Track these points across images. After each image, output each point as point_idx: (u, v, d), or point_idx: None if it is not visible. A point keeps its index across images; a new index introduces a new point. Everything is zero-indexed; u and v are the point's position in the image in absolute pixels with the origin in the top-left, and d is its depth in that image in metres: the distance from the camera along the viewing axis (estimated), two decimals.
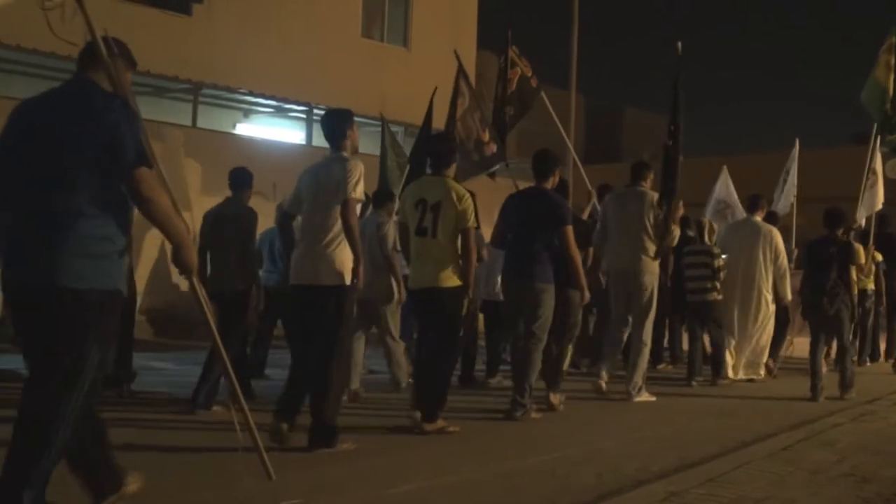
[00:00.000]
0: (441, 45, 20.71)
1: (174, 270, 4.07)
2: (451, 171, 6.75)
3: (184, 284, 8.20)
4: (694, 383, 9.71)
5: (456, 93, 10.21)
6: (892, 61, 12.38)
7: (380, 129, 18.82)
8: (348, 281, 5.61)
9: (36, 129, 3.73)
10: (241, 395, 4.44)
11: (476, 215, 6.72)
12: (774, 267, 10.18)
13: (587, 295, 7.47)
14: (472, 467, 5.40)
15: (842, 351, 9.25)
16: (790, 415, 7.78)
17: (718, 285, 9.94)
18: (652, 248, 8.55)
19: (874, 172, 12.86)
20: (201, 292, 4.32)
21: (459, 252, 6.46)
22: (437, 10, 20.69)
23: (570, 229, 7.17)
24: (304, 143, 16.90)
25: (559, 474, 5.28)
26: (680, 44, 9.22)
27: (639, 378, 8.46)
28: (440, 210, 6.41)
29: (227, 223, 7.48)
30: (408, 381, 7.99)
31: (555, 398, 7.63)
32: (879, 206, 12.89)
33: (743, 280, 10.16)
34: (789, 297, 10.36)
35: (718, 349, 10.01)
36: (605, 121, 41.70)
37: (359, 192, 5.69)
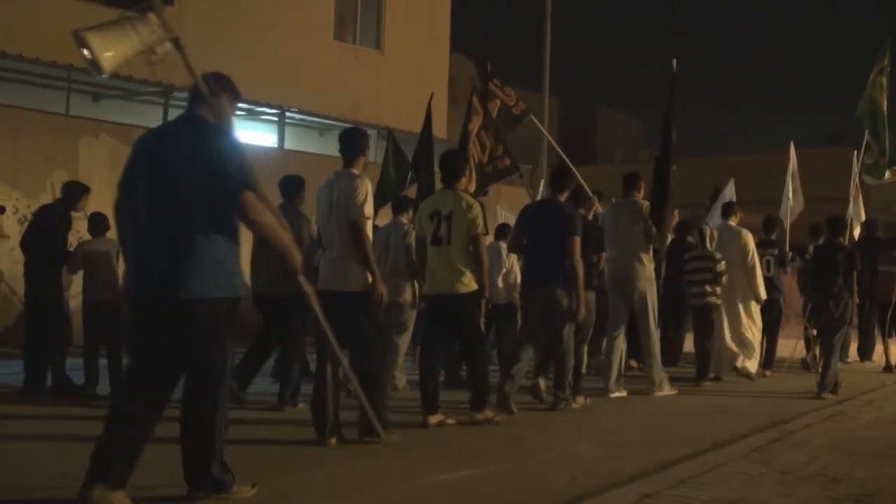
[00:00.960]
0: (413, 47, 20.75)
1: None
2: (462, 184, 7.30)
3: None
4: (706, 383, 10.15)
5: (470, 110, 10.63)
6: (885, 82, 13.16)
7: (376, 133, 18.95)
8: (360, 287, 6.07)
9: (155, 160, 4.31)
10: (354, 378, 5.61)
11: (485, 222, 7.10)
12: (743, 266, 10.59)
13: (583, 309, 7.72)
14: (445, 471, 5.41)
15: (831, 350, 9.58)
16: (762, 415, 7.86)
17: (718, 290, 10.40)
18: (646, 255, 9.05)
19: (856, 186, 13.73)
20: (310, 290, 4.97)
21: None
22: (409, 13, 20.69)
23: (576, 240, 7.56)
24: (276, 146, 16.85)
25: (533, 477, 5.30)
26: (675, 60, 9.80)
27: (656, 375, 9.11)
28: (452, 219, 6.91)
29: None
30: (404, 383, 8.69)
31: (580, 399, 8.16)
32: (863, 217, 13.79)
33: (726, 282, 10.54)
34: (762, 294, 10.73)
35: (706, 352, 10.33)
36: (578, 123, 41.89)
37: (366, 210, 6.09)
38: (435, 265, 7.01)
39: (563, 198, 7.98)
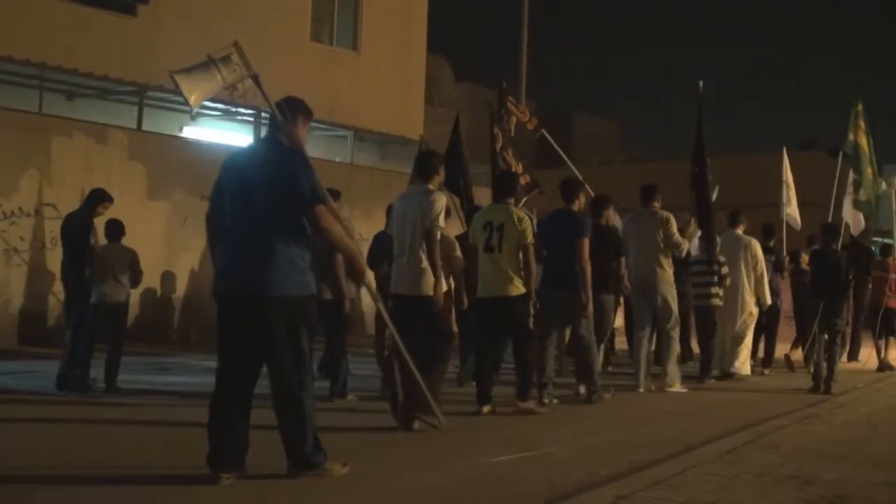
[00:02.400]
0: (391, 48, 20.76)
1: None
2: (512, 199, 8.14)
3: None
4: (708, 381, 10.78)
5: (492, 134, 11.39)
6: (863, 125, 14.36)
7: (333, 133, 18.93)
8: (430, 292, 6.92)
9: (238, 178, 5.03)
10: (414, 368, 6.37)
11: (533, 232, 7.99)
12: (754, 274, 11.45)
13: (591, 307, 8.39)
14: (419, 474, 5.44)
15: (834, 349, 10.37)
16: (736, 417, 7.95)
17: (721, 292, 11.07)
18: (666, 261, 9.84)
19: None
20: (374, 292, 5.80)
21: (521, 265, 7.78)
22: (386, 14, 20.70)
23: (584, 241, 8.29)
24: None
25: (509, 479, 5.33)
26: (702, 83, 10.89)
27: (672, 371, 9.81)
28: (504, 230, 7.75)
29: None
30: None
31: (607, 394, 8.84)
32: (863, 224, 15.02)
33: (728, 286, 11.25)
34: (768, 300, 11.67)
35: (708, 352, 10.97)
36: (554, 125, 42.03)
37: (441, 220, 6.98)
38: (487, 271, 7.82)
39: (576, 206, 8.68)
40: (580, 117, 43.95)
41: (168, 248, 13.67)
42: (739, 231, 11.69)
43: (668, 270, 9.87)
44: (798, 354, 12.57)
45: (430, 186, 7.18)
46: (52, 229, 12.48)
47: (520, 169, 11.35)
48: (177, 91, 5.19)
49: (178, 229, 13.76)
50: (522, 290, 7.75)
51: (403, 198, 7.33)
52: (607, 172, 28.43)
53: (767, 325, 12.27)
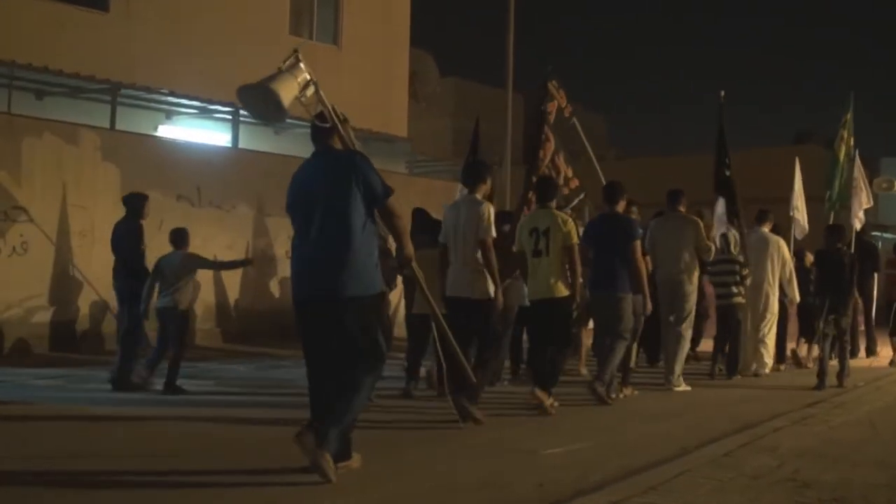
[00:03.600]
0: (372, 42, 20.74)
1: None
2: (554, 203, 8.70)
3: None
4: (724, 376, 11.36)
5: (543, 137, 11.69)
6: (845, 135, 14.83)
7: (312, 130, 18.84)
8: (492, 294, 7.56)
9: (305, 187, 5.58)
10: (466, 364, 6.99)
11: (579, 234, 8.58)
12: (782, 272, 12.08)
13: (650, 303, 9.23)
14: (407, 479, 5.45)
15: (844, 345, 11.02)
16: (732, 418, 7.98)
17: (743, 290, 11.50)
18: (693, 264, 10.39)
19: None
20: (421, 277, 6.22)
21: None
22: (368, 8, 20.69)
23: (637, 244, 8.95)
24: (229, 145, 16.75)
25: (498, 484, 5.33)
26: (723, 92, 11.67)
27: (678, 369, 10.27)
28: (550, 234, 8.29)
29: None
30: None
31: (627, 390, 9.48)
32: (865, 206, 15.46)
33: (752, 284, 11.69)
34: (797, 297, 12.39)
35: (735, 349, 11.51)
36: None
37: (492, 230, 7.61)
38: (536, 274, 8.37)
39: (620, 208, 9.29)
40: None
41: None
42: (766, 229, 12.18)
43: (694, 275, 10.44)
44: (804, 350, 13.22)
45: (478, 196, 7.80)
46: (23, 233, 12.42)
47: (569, 173, 11.75)
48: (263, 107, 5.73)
49: (155, 232, 13.65)
50: (566, 292, 8.27)
51: (454, 206, 8.05)
52: (601, 168, 28.44)
53: (778, 323, 12.73)
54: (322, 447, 5.14)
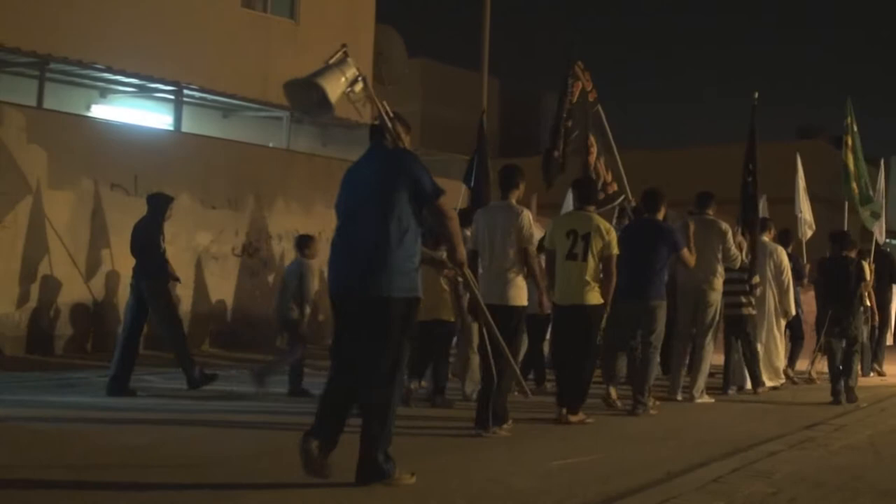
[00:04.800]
0: (334, 17, 20.69)
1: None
2: (594, 207, 9.27)
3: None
4: (730, 392, 11.74)
5: (588, 144, 12.39)
6: (850, 141, 15.37)
7: (266, 114, 18.82)
8: (525, 302, 8.15)
9: (354, 186, 6.02)
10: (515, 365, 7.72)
11: (618, 244, 9.07)
12: (777, 282, 12.44)
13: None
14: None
15: (852, 358, 11.35)
16: (723, 440, 8.05)
17: (753, 301, 11.93)
18: (719, 269, 10.98)
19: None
20: (473, 282, 6.86)
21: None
22: None
23: (686, 251, 9.98)
24: (171, 128, 16.66)
25: None
26: (757, 94, 12.37)
27: (701, 382, 10.81)
28: (590, 240, 8.75)
29: None
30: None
31: (652, 409, 9.78)
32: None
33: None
34: (793, 310, 12.70)
35: (753, 361, 11.88)
36: (522, 107, 42.06)
37: (535, 240, 8.34)
38: (568, 279, 8.80)
39: (660, 216, 10.07)
40: (549, 97, 44.03)
41: (74, 245, 13.47)
42: (766, 238, 12.61)
43: (720, 281, 11.00)
44: (820, 365, 13.33)
45: (513, 202, 8.33)
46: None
47: (609, 178, 12.37)
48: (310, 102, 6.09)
49: (86, 223, 13.61)
50: (600, 299, 8.81)
51: (489, 211, 8.59)
52: (580, 160, 28.47)
53: (792, 336, 13.40)
54: (384, 471, 5.70)
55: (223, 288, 15.28)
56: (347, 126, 19.37)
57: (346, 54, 6.09)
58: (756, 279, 11.95)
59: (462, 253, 6.21)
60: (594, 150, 12.39)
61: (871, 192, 15.93)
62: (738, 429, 8.98)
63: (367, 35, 21.85)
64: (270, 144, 18.15)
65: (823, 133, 33.46)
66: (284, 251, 15.94)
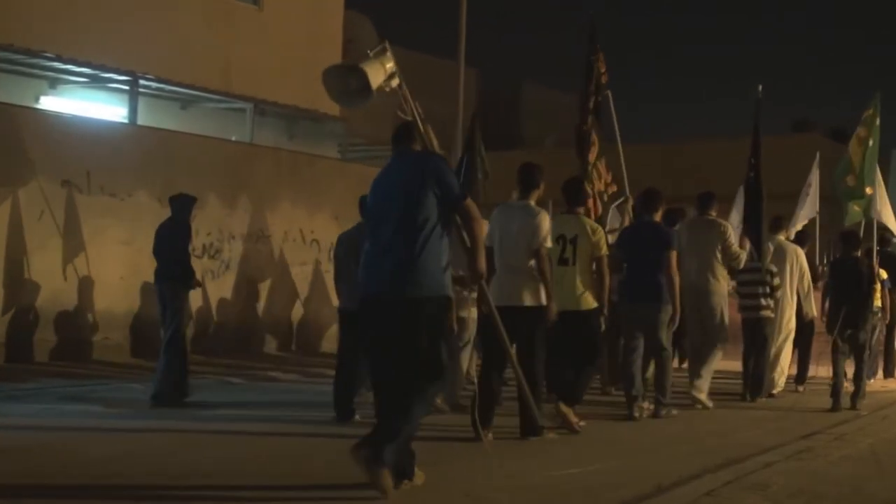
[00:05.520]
0: (300, 3, 20.65)
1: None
2: (582, 209, 9.68)
3: None
4: (755, 398, 11.94)
5: (589, 140, 12.72)
6: (863, 134, 15.39)
7: (227, 105, 18.77)
8: (542, 302, 8.40)
9: (383, 189, 6.38)
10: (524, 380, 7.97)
11: (607, 244, 9.48)
12: (799, 285, 12.79)
13: (677, 317, 10.14)
14: None
15: (861, 364, 11.61)
16: (716, 451, 8.06)
17: (772, 303, 12.21)
18: (721, 272, 11.30)
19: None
20: (487, 294, 7.33)
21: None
22: None
23: (674, 253, 10.10)
24: (126, 121, 16.59)
25: None
26: (761, 87, 12.67)
27: (705, 380, 11.15)
28: (578, 243, 9.10)
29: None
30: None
31: (645, 404, 10.21)
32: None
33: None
34: (815, 312, 13.11)
35: (763, 367, 12.13)
36: (501, 99, 42.05)
37: (549, 242, 8.47)
38: (561, 284, 8.93)
39: (657, 217, 10.41)
40: (530, 88, 44.07)
41: (18, 247, 13.38)
42: (783, 237, 12.96)
43: (722, 283, 11.32)
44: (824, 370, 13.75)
45: (532, 202, 8.63)
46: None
47: (609, 178, 12.72)
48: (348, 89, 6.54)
49: (34, 224, 13.50)
50: (594, 304, 9.13)
51: (506, 210, 8.77)
52: (564, 155, 28.42)
53: (802, 340, 13.51)
54: (378, 462, 5.71)
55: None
56: (314, 118, 19.39)
57: (386, 48, 6.52)
58: (777, 281, 12.21)
59: (482, 264, 6.46)
60: (595, 148, 12.68)
61: (865, 190, 16.02)
62: (733, 438, 9.03)
63: (336, 22, 21.82)
64: (233, 138, 18.10)
65: (818, 127, 33.68)
66: (248, 252, 15.90)
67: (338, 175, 18.10)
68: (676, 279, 10.05)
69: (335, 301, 17.14)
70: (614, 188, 12.83)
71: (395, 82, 6.52)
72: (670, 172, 24.85)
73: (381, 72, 6.40)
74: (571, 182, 9.84)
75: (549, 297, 8.47)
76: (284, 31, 19.89)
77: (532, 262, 8.38)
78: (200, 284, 11.39)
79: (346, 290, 9.45)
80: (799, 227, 15.86)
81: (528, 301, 8.37)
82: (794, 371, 13.52)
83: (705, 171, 24.15)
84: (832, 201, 16.02)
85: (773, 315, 12.26)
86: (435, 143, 6.61)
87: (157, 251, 10.66)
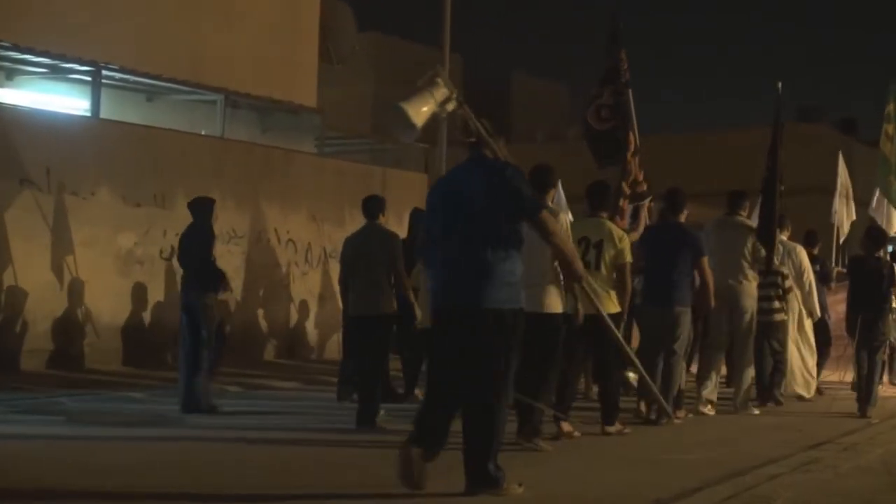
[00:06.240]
0: None
1: None
2: (607, 213, 10.03)
3: None
4: (770, 403, 12.29)
5: (629, 139, 13.03)
6: (891, 130, 15.92)
7: (197, 98, 18.70)
8: (560, 309, 8.64)
9: (451, 199, 6.68)
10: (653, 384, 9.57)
11: (631, 251, 9.84)
12: (799, 283, 13.00)
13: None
14: None
15: (873, 368, 11.79)
16: (722, 462, 8.06)
17: (786, 306, 12.51)
18: (751, 273, 11.54)
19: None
20: (593, 291, 8.13)
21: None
22: None
23: (706, 259, 10.54)
24: (88, 114, 16.51)
25: None
26: (780, 84, 12.84)
27: (743, 392, 11.57)
28: (602, 247, 9.45)
29: (373, 248, 10.07)
30: None
31: (681, 413, 10.73)
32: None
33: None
34: (818, 312, 13.37)
35: (776, 372, 12.47)
36: (489, 90, 42.02)
37: (571, 242, 8.53)
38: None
39: (682, 218, 10.77)
40: (519, 79, 44.08)
41: None
42: (783, 237, 13.04)
43: (752, 283, 11.55)
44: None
45: (548, 203, 8.72)
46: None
47: (640, 177, 12.94)
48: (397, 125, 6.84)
49: None
50: (617, 308, 9.46)
51: None
52: (557, 150, 28.46)
53: (817, 343, 13.70)
54: (499, 480, 6.32)
55: (149, 296, 15.14)
56: (289, 110, 19.35)
57: (435, 76, 6.85)
58: (789, 283, 12.46)
59: (579, 266, 7.04)
60: (632, 146, 12.95)
61: None
62: (736, 448, 9.03)
63: (312, 7, 21.74)
64: (203, 132, 18.03)
65: (825, 116, 33.82)
66: (219, 254, 15.84)
67: (315, 171, 18.08)
68: (711, 283, 10.50)
69: (312, 306, 17.41)
70: (644, 186, 13.07)
71: (450, 107, 6.85)
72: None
73: (427, 103, 6.71)
74: (595, 186, 10.04)
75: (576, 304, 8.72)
76: (258, 18, 19.80)
77: (549, 266, 8.42)
78: (231, 288, 11.67)
79: (353, 298, 10.09)
80: (846, 231, 16.40)
81: (546, 308, 8.52)
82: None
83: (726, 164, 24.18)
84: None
85: (786, 318, 12.52)
86: (507, 155, 6.93)
87: (182, 260, 11.00)
